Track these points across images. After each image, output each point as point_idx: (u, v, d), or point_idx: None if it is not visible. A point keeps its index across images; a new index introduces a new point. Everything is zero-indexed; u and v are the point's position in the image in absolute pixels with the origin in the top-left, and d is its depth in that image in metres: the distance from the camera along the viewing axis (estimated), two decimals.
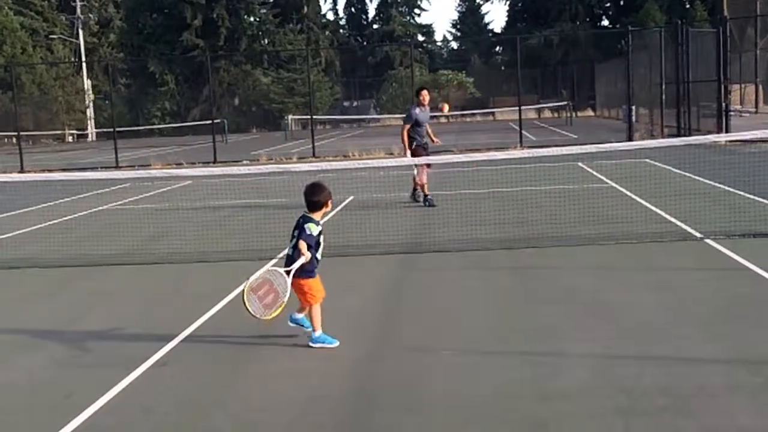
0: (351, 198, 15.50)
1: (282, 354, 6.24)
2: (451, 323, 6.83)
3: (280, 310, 6.05)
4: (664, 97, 28.72)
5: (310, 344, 6.27)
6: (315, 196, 6.36)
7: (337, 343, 6.26)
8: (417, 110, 14.20)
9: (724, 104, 25.38)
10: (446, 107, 17.54)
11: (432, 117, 15.74)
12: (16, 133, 36.77)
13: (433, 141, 14.71)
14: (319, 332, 6.30)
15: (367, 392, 5.33)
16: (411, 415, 4.90)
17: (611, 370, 5.45)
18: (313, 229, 6.23)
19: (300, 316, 6.49)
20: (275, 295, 6.02)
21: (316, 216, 6.35)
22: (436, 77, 73.06)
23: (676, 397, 4.91)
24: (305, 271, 6.21)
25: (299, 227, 6.28)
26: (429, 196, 14.22)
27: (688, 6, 68.92)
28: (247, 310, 5.96)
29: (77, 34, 66.31)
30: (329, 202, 6.45)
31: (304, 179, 18.28)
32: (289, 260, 6.24)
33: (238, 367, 5.99)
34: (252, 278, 6.07)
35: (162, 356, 6.23)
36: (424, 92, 14.47)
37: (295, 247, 6.20)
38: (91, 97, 62.78)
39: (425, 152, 14.11)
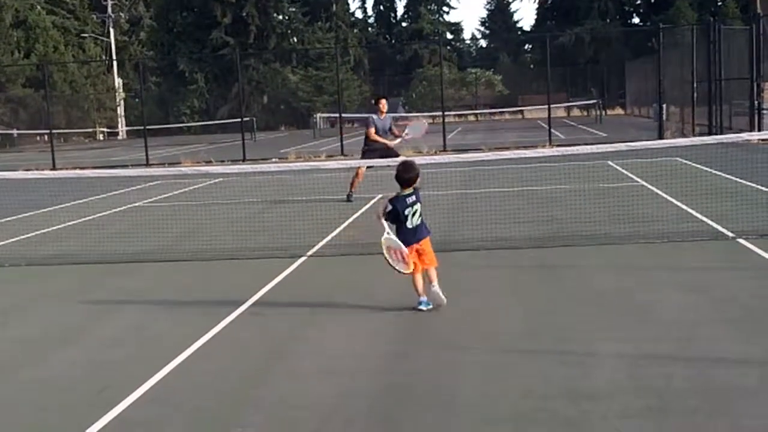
0: (379, 196, 15.50)
1: (312, 352, 6.27)
2: (480, 321, 6.83)
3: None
4: (695, 95, 28.43)
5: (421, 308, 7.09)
6: (409, 172, 7.28)
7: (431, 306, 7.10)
8: (375, 117, 15.29)
9: (756, 102, 25.14)
10: None
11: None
12: (48, 131, 37.20)
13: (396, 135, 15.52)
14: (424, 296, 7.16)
15: (397, 389, 5.34)
16: (441, 412, 4.91)
17: (642, 370, 5.42)
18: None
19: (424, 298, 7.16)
20: (398, 253, 6.98)
21: (408, 191, 7.24)
22: (464, 75, 72.89)
23: (708, 398, 4.88)
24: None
25: (417, 198, 7.21)
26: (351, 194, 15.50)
27: (720, 3, 68.27)
28: (390, 264, 6.94)
29: (108, 32, 66.94)
30: (418, 178, 7.33)
31: (333, 177, 18.28)
32: (417, 230, 7.15)
33: (270, 365, 6.03)
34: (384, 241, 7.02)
35: (193, 353, 6.28)
36: (383, 101, 15.40)
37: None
38: (122, 95, 63.40)
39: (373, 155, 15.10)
